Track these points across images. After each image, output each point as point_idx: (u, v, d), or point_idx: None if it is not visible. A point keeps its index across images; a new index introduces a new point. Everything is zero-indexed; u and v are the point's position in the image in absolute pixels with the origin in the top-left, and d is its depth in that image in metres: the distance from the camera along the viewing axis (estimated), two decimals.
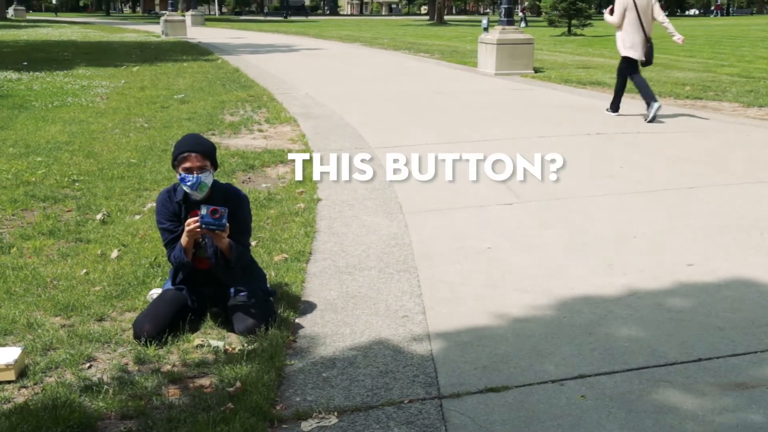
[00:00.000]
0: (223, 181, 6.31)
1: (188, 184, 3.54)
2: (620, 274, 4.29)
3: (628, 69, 9.62)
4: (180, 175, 3.55)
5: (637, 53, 9.46)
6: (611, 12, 9.63)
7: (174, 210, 3.66)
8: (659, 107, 9.30)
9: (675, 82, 14.00)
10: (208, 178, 3.57)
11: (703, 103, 11.65)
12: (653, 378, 3.12)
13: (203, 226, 3.45)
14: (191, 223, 3.47)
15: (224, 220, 3.45)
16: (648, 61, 9.56)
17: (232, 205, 3.58)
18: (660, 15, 9.51)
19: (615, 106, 9.96)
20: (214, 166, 3.65)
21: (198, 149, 3.55)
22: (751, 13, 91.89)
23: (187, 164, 3.52)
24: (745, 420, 2.80)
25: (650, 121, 9.22)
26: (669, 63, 18.53)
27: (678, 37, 9.81)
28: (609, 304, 3.88)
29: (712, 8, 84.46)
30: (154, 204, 5.66)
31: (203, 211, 3.44)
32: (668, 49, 23.70)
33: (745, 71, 16.07)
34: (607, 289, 4.08)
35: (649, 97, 9.36)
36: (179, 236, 3.60)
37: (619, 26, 9.44)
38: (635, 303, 3.90)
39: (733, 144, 8.21)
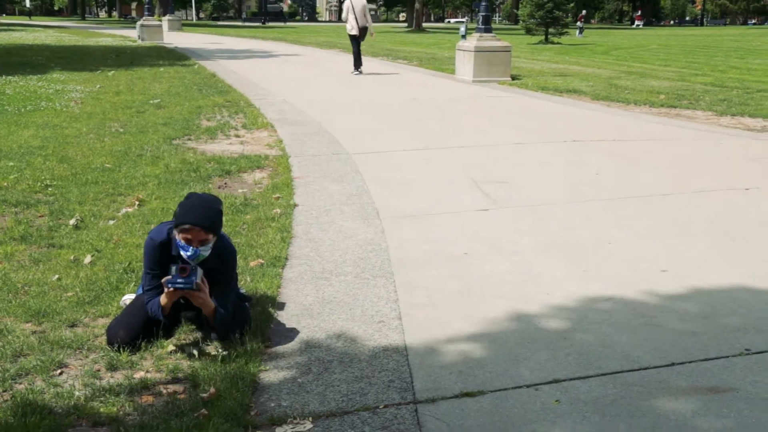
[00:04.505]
0: (198, 187, 6.31)
1: (187, 253, 3.36)
2: (595, 280, 4.32)
3: (354, 42, 17.43)
4: (178, 240, 3.36)
5: (356, 33, 17.28)
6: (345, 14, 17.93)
7: (162, 259, 3.47)
8: (358, 72, 17.35)
9: (650, 91, 14.17)
10: (206, 251, 3.38)
11: (678, 111, 11.80)
12: (627, 382, 3.14)
13: (170, 287, 3.29)
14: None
15: (194, 278, 3.27)
16: (362, 38, 17.43)
17: (219, 260, 3.44)
18: (369, 18, 17.72)
19: (356, 67, 17.48)
20: (218, 230, 3.43)
21: (204, 223, 3.32)
22: (725, 24, 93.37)
23: (189, 236, 3.32)
24: (717, 424, 2.83)
25: (354, 72, 17.32)
26: (644, 72, 18.75)
27: (372, 33, 18.10)
28: (584, 310, 3.90)
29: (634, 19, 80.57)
30: (129, 209, 5.63)
31: (173, 271, 3.28)
32: (643, 59, 24.02)
33: (719, 80, 16.30)
34: (582, 294, 4.11)
35: (357, 64, 17.48)
36: (161, 286, 3.42)
37: (347, 19, 17.59)
38: (610, 308, 3.92)
39: (707, 152, 8.32)
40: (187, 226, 3.31)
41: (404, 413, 2.90)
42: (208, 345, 3.48)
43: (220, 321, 3.42)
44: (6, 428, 2.73)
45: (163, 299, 3.40)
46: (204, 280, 3.38)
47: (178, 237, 3.35)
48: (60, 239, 4.94)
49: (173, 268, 3.30)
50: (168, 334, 3.56)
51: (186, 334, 3.62)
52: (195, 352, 3.37)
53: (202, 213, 3.35)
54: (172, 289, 3.32)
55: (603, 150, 8.26)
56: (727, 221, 5.52)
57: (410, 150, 8.20)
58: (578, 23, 46.63)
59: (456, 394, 3.04)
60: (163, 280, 3.35)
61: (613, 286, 4.23)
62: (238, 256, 4.51)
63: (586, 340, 3.54)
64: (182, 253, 3.38)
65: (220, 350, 3.37)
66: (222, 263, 3.46)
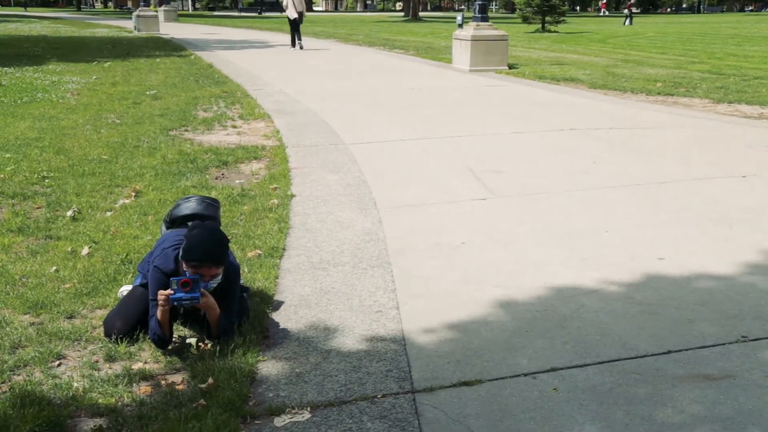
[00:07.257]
0: (195, 177, 6.30)
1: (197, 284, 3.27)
2: (593, 269, 4.33)
3: (292, 25, 22.15)
4: (188, 272, 3.26)
5: (293, 18, 21.80)
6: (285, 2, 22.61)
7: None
8: (297, 48, 22.08)
9: (647, 79, 14.15)
10: (216, 281, 3.33)
11: (675, 99, 11.79)
12: (624, 370, 3.15)
13: (175, 303, 3.19)
14: (163, 295, 3.20)
15: (197, 290, 3.18)
16: (300, 21, 22.03)
17: (225, 278, 3.37)
18: (304, 5, 22.37)
19: (292, 44, 22.35)
20: (226, 261, 3.35)
21: (214, 259, 3.25)
22: (722, 11, 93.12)
23: (200, 272, 3.23)
24: (713, 411, 2.84)
25: (292, 48, 22.32)
26: (641, 60, 18.72)
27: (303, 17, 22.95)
28: (581, 298, 3.91)
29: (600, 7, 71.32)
30: (126, 200, 5.63)
31: (173, 285, 3.17)
32: (640, 46, 23.97)
33: (716, 68, 16.28)
34: (580, 283, 4.11)
35: (295, 41, 22.26)
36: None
37: (287, 6, 22.00)
38: (607, 296, 3.93)
39: (703, 139, 8.31)
40: (197, 263, 3.23)
41: (402, 402, 2.91)
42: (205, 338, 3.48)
43: (223, 329, 3.35)
44: (5, 419, 2.74)
45: (159, 313, 3.24)
46: (205, 292, 3.27)
47: (189, 271, 3.25)
48: (57, 231, 4.94)
49: (174, 282, 3.18)
50: None
51: (184, 324, 3.62)
52: (193, 342, 3.37)
53: (211, 249, 3.26)
54: (175, 304, 3.20)
55: (600, 138, 8.25)
56: (725, 208, 5.52)
57: (407, 140, 8.18)
58: (626, 11, 45.19)
59: (454, 383, 3.05)
60: (163, 294, 3.20)
61: (611, 274, 4.24)
62: (235, 248, 4.53)
63: (583, 328, 3.55)
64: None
65: (218, 341, 3.37)
66: (227, 281, 3.40)
